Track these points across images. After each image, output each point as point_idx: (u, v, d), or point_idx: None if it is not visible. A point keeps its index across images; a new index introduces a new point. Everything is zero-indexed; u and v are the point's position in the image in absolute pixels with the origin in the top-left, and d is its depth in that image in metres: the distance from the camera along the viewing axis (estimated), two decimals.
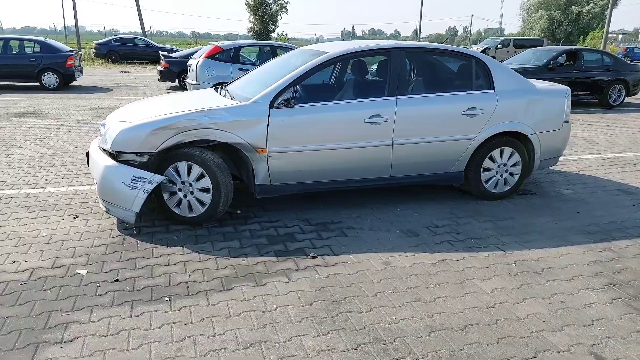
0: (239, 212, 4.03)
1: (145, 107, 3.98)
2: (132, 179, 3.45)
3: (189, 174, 3.61)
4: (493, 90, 4.26)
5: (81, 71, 14.20)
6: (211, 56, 9.31)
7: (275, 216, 3.97)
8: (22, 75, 12.82)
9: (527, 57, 12.82)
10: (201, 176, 3.61)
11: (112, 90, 13.07)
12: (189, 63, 10.14)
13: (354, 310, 2.61)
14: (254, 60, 10.53)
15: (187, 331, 2.38)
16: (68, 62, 12.98)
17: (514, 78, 4.43)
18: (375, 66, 4.46)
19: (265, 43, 9.78)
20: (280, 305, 2.63)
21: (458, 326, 2.49)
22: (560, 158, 5.97)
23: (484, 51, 30.72)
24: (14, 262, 3.05)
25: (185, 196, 3.65)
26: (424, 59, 4.40)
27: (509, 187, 4.50)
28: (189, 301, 2.65)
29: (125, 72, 19.30)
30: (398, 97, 3.98)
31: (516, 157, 4.41)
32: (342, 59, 4.12)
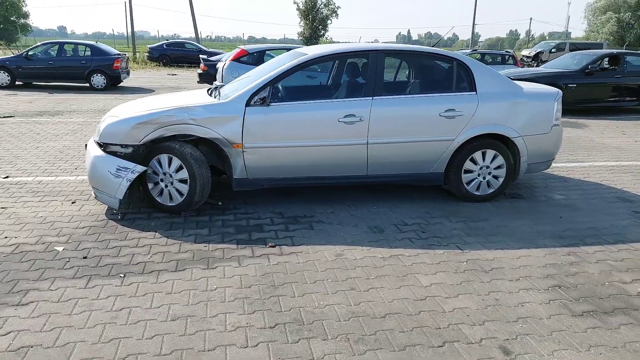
0: (220, 203, 4.27)
1: (139, 104, 4.32)
2: (117, 169, 3.78)
3: (169, 165, 3.90)
4: (475, 93, 4.28)
5: (128, 73, 15.08)
6: (237, 59, 9.70)
7: (253, 209, 4.18)
8: (73, 77, 13.83)
9: (566, 61, 12.39)
10: (180, 168, 3.88)
11: (154, 91, 13.82)
12: (217, 66, 10.60)
13: (287, 294, 2.77)
14: None
15: (128, 303, 2.63)
16: (115, 65, 13.87)
17: (498, 81, 4.42)
18: (356, 68, 4.59)
19: (289, 46, 10.05)
20: (220, 287, 2.84)
21: (379, 314, 2.59)
22: (569, 165, 5.85)
23: (536, 55, 29.61)
24: (6, 237, 3.44)
25: (166, 186, 3.94)
26: (403, 61, 4.48)
27: (492, 190, 4.48)
28: (140, 278, 2.91)
29: (172, 74, 20.26)
30: (374, 97, 4.10)
31: (500, 160, 4.39)
32: (320, 61, 4.28)
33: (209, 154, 4.11)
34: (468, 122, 4.22)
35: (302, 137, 4.00)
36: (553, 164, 5.98)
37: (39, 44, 14.69)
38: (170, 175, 3.91)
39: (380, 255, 3.33)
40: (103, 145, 3.92)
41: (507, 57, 17.80)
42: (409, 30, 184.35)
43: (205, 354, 2.22)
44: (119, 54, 14.41)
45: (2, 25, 45.79)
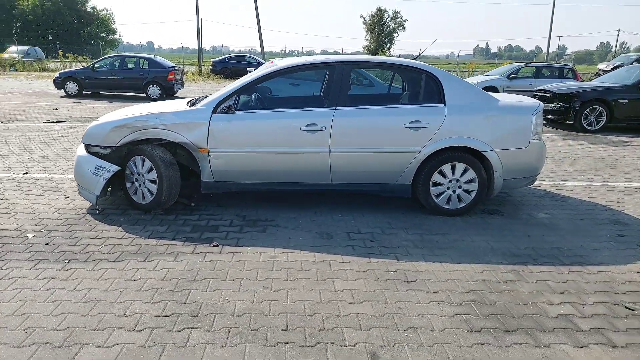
0: (192, 204, 4.55)
1: (126, 110, 4.72)
2: (96, 167, 4.17)
3: (142, 167, 4.23)
4: (443, 105, 4.25)
5: (182, 84, 16.09)
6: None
7: (220, 211, 4.41)
8: (132, 87, 15.00)
9: (620, 75, 11.64)
10: (151, 169, 4.20)
11: None
12: None
13: (200, 289, 2.95)
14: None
15: (56, 285, 2.94)
16: (169, 77, 14.88)
17: (471, 93, 4.35)
18: (323, 79, 4.70)
19: None
20: (143, 277, 3.07)
21: (274, 312, 2.69)
22: (579, 183, 5.56)
23: (614, 69, 27.82)
24: None
25: (139, 186, 4.28)
26: (369, 73, 4.53)
27: (464, 205, 4.39)
28: (80, 265, 3.22)
29: None
30: (337, 108, 4.20)
31: (471, 174, 4.30)
32: (285, 72, 4.44)
33: (187, 158, 4.40)
34: (434, 134, 4.19)
35: (266, 144, 4.18)
36: (559, 182, 5.72)
37: (105, 56, 16.10)
38: (143, 176, 4.24)
39: (313, 259, 3.42)
40: (86, 146, 4.34)
41: (565, 70, 16.91)
42: (487, 43, 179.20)
43: (94, 332, 2.45)
44: (174, 67, 15.44)
45: (93, 41, 50.32)
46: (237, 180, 4.30)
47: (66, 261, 3.27)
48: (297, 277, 3.14)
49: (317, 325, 2.57)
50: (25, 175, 5.50)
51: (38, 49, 33.99)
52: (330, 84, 4.28)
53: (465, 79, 18.31)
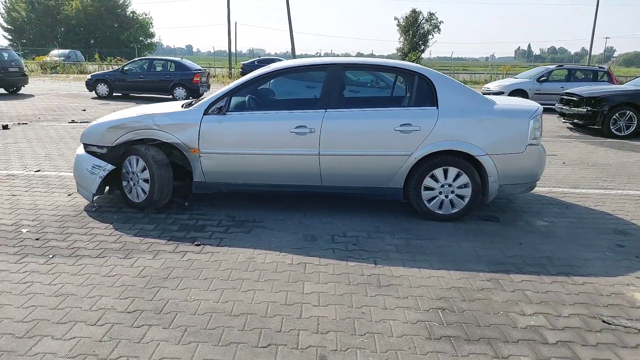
0: (186, 204, 4.63)
1: (125, 111, 4.86)
2: (92, 166, 4.31)
3: (137, 166, 4.34)
4: (435, 108, 4.17)
5: (208, 87, 16.40)
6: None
7: (212, 211, 4.47)
8: (159, 89, 15.40)
9: None
10: (144, 169, 4.31)
11: None
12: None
13: (170, 287, 3.00)
14: None
15: (35, 278, 3.05)
16: (194, 79, 15.20)
17: (466, 96, 4.25)
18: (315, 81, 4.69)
19: None
20: (118, 274, 3.15)
21: (235, 312, 2.71)
22: (591, 191, 5.37)
23: None
24: None
25: (134, 185, 4.39)
26: (361, 75, 4.50)
27: (457, 210, 4.29)
28: (61, 260, 3.33)
29: None
30: (327, 110, 4.19)
31: (464, 179, 4.20)
32: (279, 74, 4.46)
33: (182, 159, 4.48)
34: (426, 137, 4.12)
35: (256, 145, 4.21)
36: (569, 189, 5.52)
37: (135, 59, 16.61)
38: (137, 175, 4.35)
39: (290, 261, 3.42)
40: (85, 145, 4.49)
41: (600, 73, 16.28)
42: (529, 45, 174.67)
43: (57, 325, 2.53)
44: (199, 70, 15.76)
45: (132, 45, 52.01)
46: (227, 181, 4.35)
47: (50, 256, 3.39)
48: (268, 278, 3.15)
49: (274, 327, 2.57)
50: (37, 172, 5.73)
51: (78, 52, 35.42)
52: (322, 86, 4.27)
53: (492, 82, 17.89)
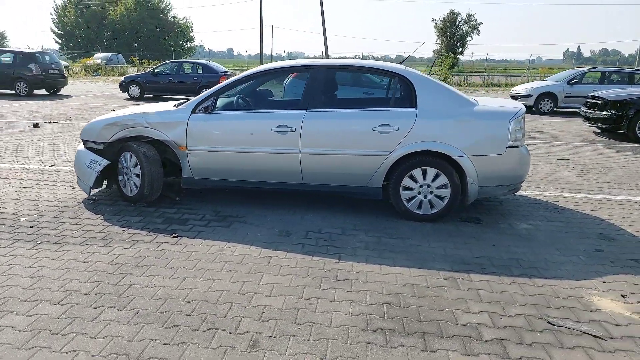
0: (177, 199, 4.85)
1: (123, 110, 5.14)
2: (90, 161, 4.61)
3: (130, 161, 4.60)
4: (414, 109, 4.22)
5: None
6: (298, 75, 10.36)
7: (199, 206, 4.67)
8: (187, 91, 15.87)
9: None
10: (136, 164, 4.56)
11: None
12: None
13: (135, 273, 3.20)
14: None
15: (16, 261, 3.32)
16: (220, 81, 15.61)
17: (446, 98, 4.28)
18: (299, 82, 4.82)
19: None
20: (93, 260, 3.38)
21: (188, 299, 2.87)
22: (590, 196, 5.28)
23: None
24: (0, 207, 4.46)
25: (128, 179, 4.65)
26: (343, 76, 4.60)
27: (436, 211, 4.32)
28: (47, 246, 3.59)
29: None
30: (308, 110, 4.31)
31: (443, 179, 4.23)
32: (264, 75, 4.62)
33: (175, 155, 4.71)
34: (404, 138, 4.18)
35: (239, 143, 4.38)
36: (569, 194, 5.43)
37: (166, 62, 17.23)
38: (130, 170, 4.60)
39: (256, 254, 3.56)
40: (84, 142, 4.79)
41: (637, 76, 15.61)
42: (579, 46, 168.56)
43: (24, 303, 2.76)
44: (226, 72, 16.19)
45: (172, 48, 53.75)
46: (213, 177, 4.54)
47: (38, 242, 3.66)
48: (231, 269, 3.30)
49: (220, 314, 2.71)
50: (51, 167, 6.12)
51: (120, 56, 36.91)
52: (304, 87, 4.40)
53: (520, 85, 17.39)
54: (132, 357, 2.31)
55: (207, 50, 61.68)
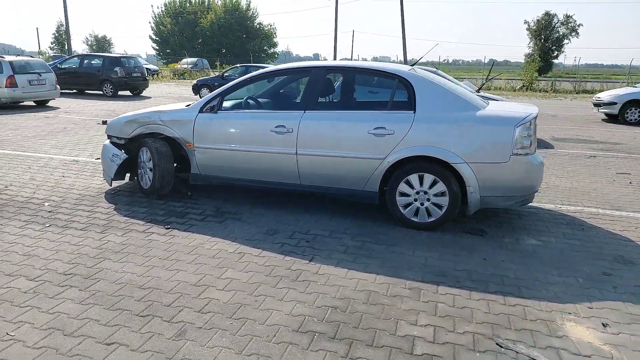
0: (189, 193, 5.09)
1: (147, 108, 5.47)
2: (112, 155, 4.99)
3: (146, 156, 4.91)
4: (412, 112, 4.08)
5: None
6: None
7: (204, 201, 4.86)
8: None
9: None
10: (150, 159, 4.85)
11: None
12: None
13: (113, 259, 3.42)
14: None
15: (21, 240, 3.68)
16: None
17: (447, 101, 4.09)
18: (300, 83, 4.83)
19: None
20: (83, 244, 3.65)
21: (144, 286, 3.02)
22: (637, 215, 4.77)
23: None
24: (34, 193, 4.96)
25: (144, 173, 4.97)
26: (343, 78, 4.53)
27: (433, 219, 4.13)
28: (53, 229, 3.94)
29: None
30: (306, 111, 4.34)
31: (441, 187, 4.04)
32: (268, 76, 4.70)
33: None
34: (400, 142, 4.06)
35: (240, 142, 4.51)
36: (608, 211, 4.94)
37: (236, 65, 18.04)
38: (145, 164, 4.91)
39: (232, 250, 3.64)
40: (108, 137, 5.19)
41: None
42: None
43: (3, 277, 3.07)
44: None
45: (257, 54, 56.02)
46: (217, 174, 4.71)
47: (47, 225, 4.04)
48: (200, 262, 3.41)
49: (166, 302, 2.83)
50: (97, 160, 6.67)
51: (205, 60, 39.12)
52: (304, 88, 4.43)
53: (605, 91, 16.09)
54: (66, 333, 2.48)
55: (294, 55, 63.40)
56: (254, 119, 4.48)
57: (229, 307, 2.79)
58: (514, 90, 26.82)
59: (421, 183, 4.09)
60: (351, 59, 34.40)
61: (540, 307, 2.92)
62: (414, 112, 4.07)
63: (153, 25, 59.40)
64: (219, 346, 2.40)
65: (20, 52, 45.09)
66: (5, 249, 3.51)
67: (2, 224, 4.03)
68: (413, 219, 4.18)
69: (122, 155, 4.91)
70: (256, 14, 59.54)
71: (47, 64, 14.97)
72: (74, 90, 17.92)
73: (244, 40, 58.12)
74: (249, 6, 58.79)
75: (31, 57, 17.68)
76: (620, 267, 3.57)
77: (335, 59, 32.65)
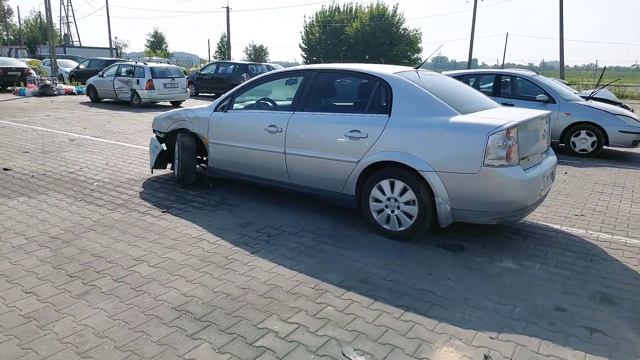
0: (211, 185, 5.62)
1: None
2: (154, 146, 5.78)
3: (176, 149, 5.57)
4: (387, 115, 4.01)
5: None
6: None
7: (217, 193, 5.31)
8: None
9: None
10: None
11: None
12: None
13: (98, 231, 4.04)
14: None
15: (40, 207, 4.55)
16: None
17: (423, 105, 3.91)
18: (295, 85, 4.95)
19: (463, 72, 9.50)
20: (83, 217, 4.35)
21: (105, 256, 3.55)
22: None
23: None
24: (95, 174, 5.99)
25: (175, 164, 5.65)
26: (330, 80, 4.56)
27: (403, 228, 4.00)
28: (77, 203, 4.76)
29: None
30: (294, 112, 4.53)
31: (410, 195, 3.91)
32: (270, 79, 4.94)
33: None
34: (372, 145, 4.01)
35: (241, 140, 4.88)
36: (623, 238, 4.21)
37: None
38: (176, 156, 5.58)
39: (196, 235, 4.01)
40: (153, 131, 5.99)
41: None
42: None
43: None
44: None
45: (399, 60, 56.08)
46: (225, 168, 5.15)
47: (78, 199, 4.89)
48: (158, 242, 3.84)
49: (100, 269, 3.30)
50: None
51: None
52: (297, 90, 4.61)
53: None
54: (9, 280, 3.10)
55: (449, 61, 61.82)
56: (254, 119, 4.81)
57: (140, 279, 3.16)
58: None
59: (392, 190, 3.98)
60: (503, 64, 32.37)
61: (432, 327, 2.72)
62: (389, 116, 3.97)
63: (303, 34, 63.35)
64: (99, 308, 2.78)
65: (198, 61, 52.15)
66: (30, 214, 4.39)
67: (47, 195, 4.99)
68: (384, 226, 4.08)
69: (160, 147, 5.64)
70: (402, 19, 59.57)
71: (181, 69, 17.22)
72: (213, 94, 20.13)
73: (388, 46, 58.59)
74: (395, 12, 59.12)
75: (168, 62, 20.43)
76: (587, 305, 3.06)
77: (469, 61, 31.13)
